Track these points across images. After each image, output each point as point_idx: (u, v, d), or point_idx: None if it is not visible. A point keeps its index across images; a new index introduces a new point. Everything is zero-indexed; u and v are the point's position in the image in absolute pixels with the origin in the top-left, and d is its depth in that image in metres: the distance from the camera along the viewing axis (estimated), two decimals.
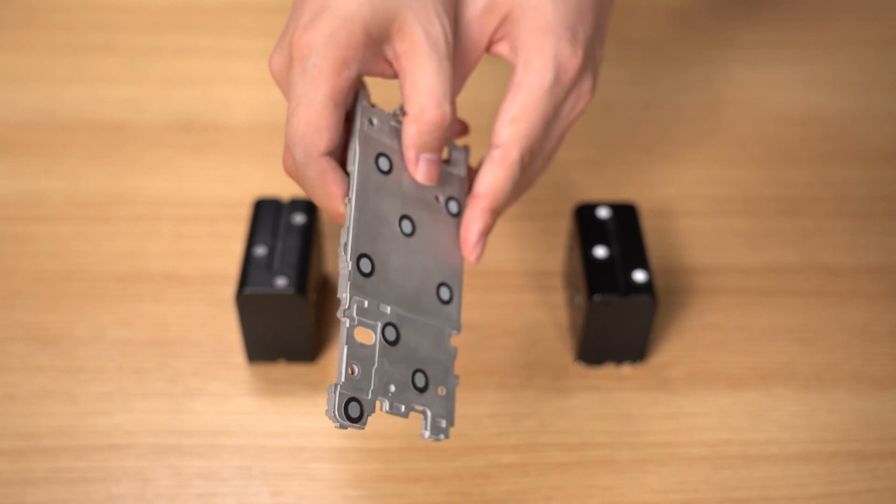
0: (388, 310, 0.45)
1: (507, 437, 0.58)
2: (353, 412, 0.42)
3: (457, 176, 0.50)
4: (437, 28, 0.46)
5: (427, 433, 0.45)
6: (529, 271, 0.66)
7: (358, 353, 0.43)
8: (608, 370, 0.61)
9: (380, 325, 0.44)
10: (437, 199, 0.49)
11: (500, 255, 0.67)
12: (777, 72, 0.82)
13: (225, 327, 0.62)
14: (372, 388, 0.43)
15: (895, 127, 0.78)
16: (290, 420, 0.58)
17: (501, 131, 0.48)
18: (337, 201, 0.46)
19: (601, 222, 0.61)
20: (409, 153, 0.47)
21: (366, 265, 0.45)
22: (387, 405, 0.43)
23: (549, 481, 0.56)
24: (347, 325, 0.43)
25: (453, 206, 0.50)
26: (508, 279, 0.66)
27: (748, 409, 0.59)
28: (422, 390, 0.45)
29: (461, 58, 0.49)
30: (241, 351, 0.61)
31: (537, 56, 0.48)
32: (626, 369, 0.61)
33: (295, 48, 0.45)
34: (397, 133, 0.48)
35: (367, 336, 0.44)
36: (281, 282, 0.56)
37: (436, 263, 0.48)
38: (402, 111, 0.48)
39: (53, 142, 0.74)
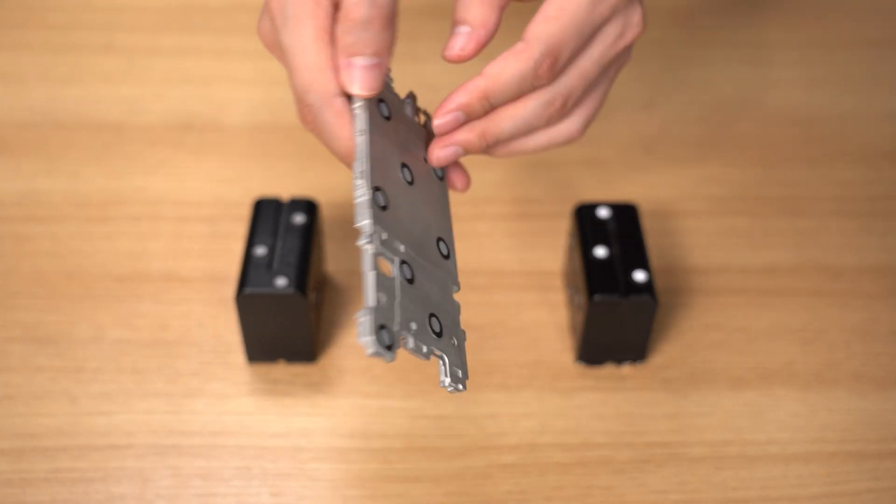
0: (402, 248, 0.43)
1: (507, 437, 0.58)
2: (386, 339, 0.40)
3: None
4: None
5: (447, 380, 0.42)
6: (529, 271, 0.66)
7: (383, 282, 0.41)
8: (608, 370, 0.61)
9: (397, 261, 0.43)
10: (425, 160, 0.48)
11: (500, 255, 0.67)
12: (777, 72, 0.82)
13: (225, 327, 0.62)
14: (398, 320, 0.41)
15: (895, 127, 0.78)
16: (290, 420, 0.58)
17: (531, 28, 0.46)
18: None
19: (601, 222, 0.61)
20: (339, 59, 0.44)
21: (381, 199, 0.43)
22: (411, 342, 0.41)
23: (549, 481, 0.56)
24: (371, 252, 0.41)
25: (439, 170, 0.49)
26: (508, 279, 0.66)
27: (748, 409, 0.59)
28: (438, 335, 0.43)
29: None
30: (241, 351, 0.61)
31: None
32: (626, 369, 0.61)
33: (269, 7, 0.44)
34: (389, 88, 0.48)
35: (386, 269, 0.42)
36: (281, 282, 0.56)
37: (433, 217, 0.47)
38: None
39: (53, 142, 0.74)
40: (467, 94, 0.46)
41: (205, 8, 0.86)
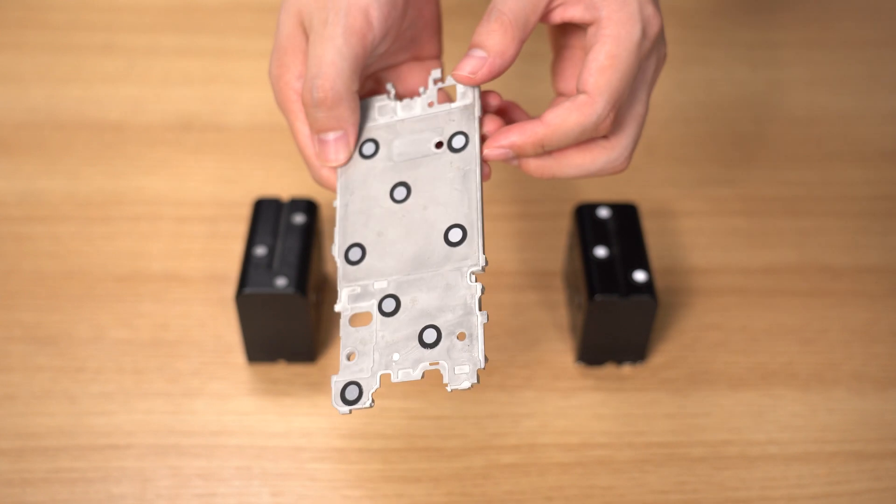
0: (386, 283, 0.46)
1: (507, 437, 0.58)
2: (350, 395, 0.44)
3: (461, 107, 0.49)
4: (335, 14, 0.46)
5: (448, 387, 0.44)
6: (529, 271, 0.66)
7: (355, 337, 0.45)
8: (608, 370, 0.61)
9: (376, 302, 0.46)
10: (438, 145, 0.49)
11: (500, 255, 0.67)
12: (777, 72, 0.82)
13: (225, 327, 0.62)
14: (372, 365, 0.44)
15: (895, 127, 0.78)
16: (290, 420, 0.58)
17: (589, 79, 0.46)
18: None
19: (601, 222, 0.61)
20: (312, 137, 0.49)
21: (355, 254, 0.48)
22: (396, 375, 0.44)
23: (549, 481, 0.56)
24: (341, 315, 0.46)
25: (458, 141, 0.48)
26: (508, 279, 0.66)
27: (748, 409, 0.59)
28: (432, 345, 0.44)
29: (516, 22, 0.47)
30: (241, 351, 0.61)
31: (623, 10, 0.46)
32: (626, 369, 0.61)
33: None
34: (382, 109, 0.50)
35: (369, 317, 0.46)
36: (281, 282, 0.56)
37: (441, 211, 0.48)
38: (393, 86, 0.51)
39: (53, 142, 0.74)
40: (522, 137, 0.47)
41: (205, 8, 0.86)
